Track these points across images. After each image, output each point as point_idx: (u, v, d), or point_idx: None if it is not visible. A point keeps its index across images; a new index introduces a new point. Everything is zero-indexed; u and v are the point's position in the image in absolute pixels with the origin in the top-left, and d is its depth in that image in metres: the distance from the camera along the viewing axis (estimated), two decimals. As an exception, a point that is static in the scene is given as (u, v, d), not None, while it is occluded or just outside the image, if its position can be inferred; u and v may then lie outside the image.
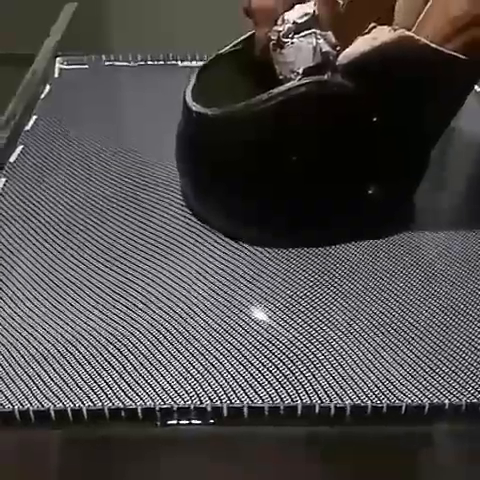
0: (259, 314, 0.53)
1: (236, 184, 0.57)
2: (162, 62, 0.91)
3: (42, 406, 0.46)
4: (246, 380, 0.48)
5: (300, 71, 0.53)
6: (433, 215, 0.64)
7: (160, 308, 0.54)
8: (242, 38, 0.60)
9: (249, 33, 0.60)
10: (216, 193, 0.59)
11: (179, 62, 0.91)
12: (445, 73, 0.53)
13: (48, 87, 0.86)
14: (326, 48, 0.54)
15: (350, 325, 0.52)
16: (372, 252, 0.59)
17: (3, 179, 0.69)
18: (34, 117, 0.79)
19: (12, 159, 0.72)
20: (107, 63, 0.91)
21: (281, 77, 0.55)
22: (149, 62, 0.91)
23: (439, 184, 0.66)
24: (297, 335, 0.51)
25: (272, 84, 0.55)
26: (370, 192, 0.57)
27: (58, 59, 0.91)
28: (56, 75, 0.89)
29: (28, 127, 0.78)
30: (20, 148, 0.74)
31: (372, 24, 0.52)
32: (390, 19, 0.56)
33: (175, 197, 0.65)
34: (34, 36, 0.93)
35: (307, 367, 0.49)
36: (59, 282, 0.56)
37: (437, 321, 0.52)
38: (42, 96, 0.84)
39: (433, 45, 0.52)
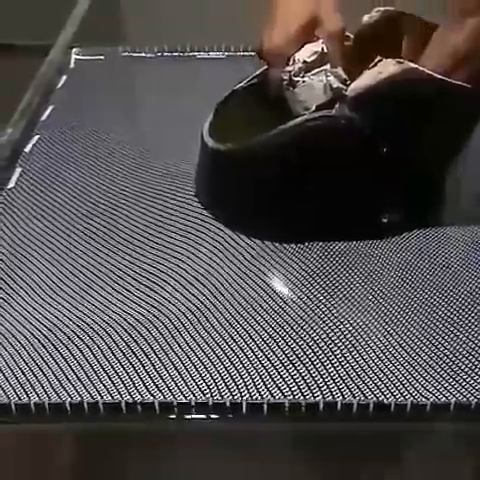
0: (279, 308, 0.52)
1: (249, 208, 0.59)
2: (179, 53, 0.90)
3: (59, 398, 0.45)
4: (269, 374, 0.47)
5: (313, 108, 0.55)
6: (452, 211, 0.62)
7: (179, 303, 0.53)
8: (257, 73, 0.62)
9: (263, 68, 0.61)
10: (230, 209, 0.60)
11: (196, 53, 0.90)
12: (450, 103, 0.54)
13: (64, 77, 0.85)
14: (336, 84, 0.55)
15: (374, 320, 0.51)
16: (390, 249, 0.58)
17: (19, 169, 0.68)
18: (50, 107, 0.78)
19: (27, 149, 0.71)
20: (123, 54, 0.90)
21: (295, 115, 0.56)
22: (166, 53, 0.90)
23: (456, 182, 0.64)
24: (319, 330, 0.50)
25: (286, 117, 0.56)
26: (383, 219, 0.58)
27: (74, 50, 0.90)
28: (72, 66, 0.88)
29: (44, 117, 0.77)
30: (36, 138, 0.73)
31: (378, 57, 0.53)
32: (397, 51, 0.56)
33: (191, 190, 0.65)
34: (50, 27, 0.92)
35: (331, 363, 0.48)
36: (75, 273, 0.56)
37: (462, 317, 0.51)
38: (58, 86, 0.83)
39: (438, 76, 0.53)
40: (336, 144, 0.55)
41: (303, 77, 0.57)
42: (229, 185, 0.60)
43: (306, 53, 0.57)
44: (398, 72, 0.52)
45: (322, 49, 0.57)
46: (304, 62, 0.57)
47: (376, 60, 0.53)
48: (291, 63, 0.57)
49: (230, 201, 0.60)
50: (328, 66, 0.56)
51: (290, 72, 0.57)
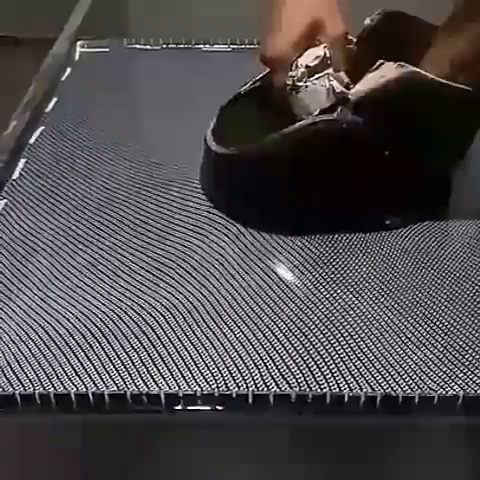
0: (287, 300, 0.52)
1: (253, 209, 0.59)
2: (185, 46, 0.89)
3: (65, 389, 0.45)
4: (276, 365, 0.47)
5: (316, 113, 0.55)
6: (454, 211, 0.62)
7: (186, 293, 0.52)
8: (260, 76, 0.62)
9: (266, 71, 0.61)
10: (233, 211, 0.60)
11: (202, 46, 0.89)
12: (452, 106, 0.54)
13: (68, 70, 0.85)
14: (339, 88, 0.55)
15: (382, 312, 0.51)
16: (395, 244, 0.58)
17: (23, 160, 0.68)
18: (54, 99, 0.78)
19: (32, 141, 0.71)
20: (128, 46, 0.90)
21: (299, 119, 0.56)
22: (171, 46, 0.89)
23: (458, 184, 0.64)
24: (326, 322, 0.50)
25: (289, 122, 0.56)
26: (386, 221, 0.58)
27: (79, 42, 0.90)
28: (77, 58, 0.88)
29: (48, 109, 0.77)
30: (40, 130, 0.73)
31: (380, 60, 0.54)
32: (399, 53, 0.56)
33: (196, 184, 0.64)
34: (55, 20, 0.92)
35: (338, 355, 0.47)
36: (82, 263, 0.55)
37: (472, 310, 0.51)
38: (62, 79, 0.83)
39: (439, 79, 0.53)
40: (338, 147, 0.55)
41: (306, 82, 0.57)
42: (232, 188, 0.60)
43: (308, 58, 0.57)
44: (400, 75, 0.53)
45: (324, 54, 0.57)
46: (307, 67, 0.57)
47: (378, 63, 0.53)
48: (294, 68, 0.58)
49: (234, 203, 0.60)
50: (331, 70, 0.57)
51: (293, 77, 0.57)
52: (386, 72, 0.53)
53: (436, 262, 0.55)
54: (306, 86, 0.57)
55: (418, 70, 0.53)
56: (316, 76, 0.57)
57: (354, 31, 0.62)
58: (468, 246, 0.57)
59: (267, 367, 0.47)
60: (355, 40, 0.62)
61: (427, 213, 0.59)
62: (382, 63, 0.53)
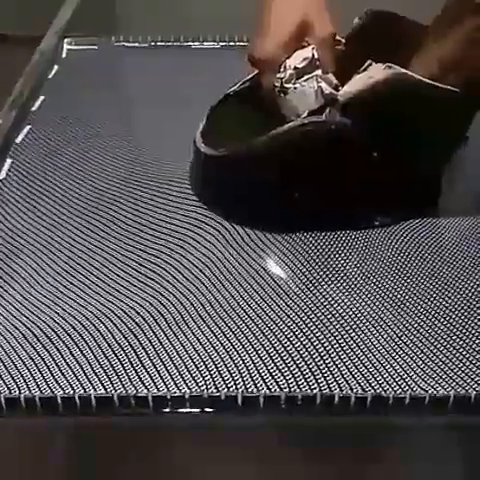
0: (277, 300, 0.51)
1: (242, 210, 0.59)
2: (174, 43, 0.89)
3: (52, 392, 0.44)
4: (265, 366, 0.46)
5: (305, 114, 0.55)
6: (443, 212, 0.62)
7: (178, 294, 0.52)
8: (248, 77, 0.62)
9: (255, 72, 0.61)
10: (222, 211, 0.60)
11: (191, 43, 0.89)
12: (439, 107, 0.54)
13: (56, 68, 0.84)
14: (328, 89, 0.55)
15: (374, 312, 0.50)
16: (388, 241, 0.57)
17: (9, 160, 0.67)
18: (41, 98, 0.77)
19: (18, 140, 0.70)
20: (116, 44, 0.89)
21: (287, 121, 0.56)
22: (159, 43, 0.89)
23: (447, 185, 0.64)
24: (317, 322, 0.49)
25: (278, 123, 0.56)
26: (375, 222, 0.58)
27: (66, 40, 0.89)
28: (64, 55, 0.87)
29: (35, 107, 0.76)
30: (27, 129, 0.72)
31: (368, 61, 0.54)
32: (387, 53, 0.56)
33: (186, 185, 0.63)
34: (43, 16, 0.91)
35: (329, 355, 0.47)
36: (69, 263, 0.55)
37: (462, 310, 0.51)
38: (49, 77, 0.82)
39: (427, 81, 0.53)
40: (327, 149, 0.55)
41: (294, 83, 0.57)
42: (221, 189, 0.60)
43: (297, 59, 0.57)
44: (388, 76, 0.53)
45: (313, 55, 0.57)
46: (295, 68, 0.57)
47: (366, 64, 0.53)
48: (282, 70, 0.58)
49: (223, 204, 0.60)
50: (319, 72, 0.57)
51: (281, 79, 0.57)
52: (374, 73, 0.53)
53: (426, 262, 0.55)
54: (295, 88, 0.57)
55: (406, 71, 0.53)
56: (304, 77, 0.57)
57: (343, 31, 0.62)
58: (457, 245, 0.57)
59: (257, 368, 0.46)
60: (344, 41, 0.61)
61: (416, 213, 0.59)
62: (370, 64, 0.53)
